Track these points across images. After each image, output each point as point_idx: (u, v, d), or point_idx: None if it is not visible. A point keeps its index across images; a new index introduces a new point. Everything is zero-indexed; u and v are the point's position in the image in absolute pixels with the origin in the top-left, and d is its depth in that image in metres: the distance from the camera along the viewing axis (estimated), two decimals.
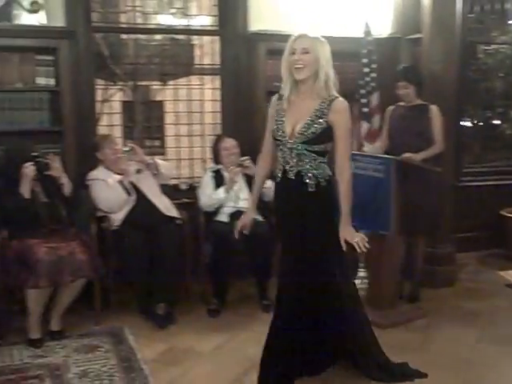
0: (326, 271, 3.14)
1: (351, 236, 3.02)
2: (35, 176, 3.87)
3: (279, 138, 3.06)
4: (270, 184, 4.46)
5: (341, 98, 3.05)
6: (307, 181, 3.04)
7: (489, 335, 3.93)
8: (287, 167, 3.06)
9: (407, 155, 4.19)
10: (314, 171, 3.03)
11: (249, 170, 4.43)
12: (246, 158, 4.47)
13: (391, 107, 4.62)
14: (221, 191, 4.42)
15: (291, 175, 3.06)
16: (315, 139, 3.00)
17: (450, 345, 3.79)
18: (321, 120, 2.99)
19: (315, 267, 3.10)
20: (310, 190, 3.04)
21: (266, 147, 3.24)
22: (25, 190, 3.82)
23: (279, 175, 3.12)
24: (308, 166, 3.03)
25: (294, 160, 3.03)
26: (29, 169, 3.81)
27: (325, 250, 3.12)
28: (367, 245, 2.99)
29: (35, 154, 3.92)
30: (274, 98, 3.18)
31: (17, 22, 4.31)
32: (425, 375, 3.30)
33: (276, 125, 3.08)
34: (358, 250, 3.01)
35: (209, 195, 4.44)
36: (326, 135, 3.02)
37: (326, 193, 3.08)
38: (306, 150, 3.01)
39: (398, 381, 3.26)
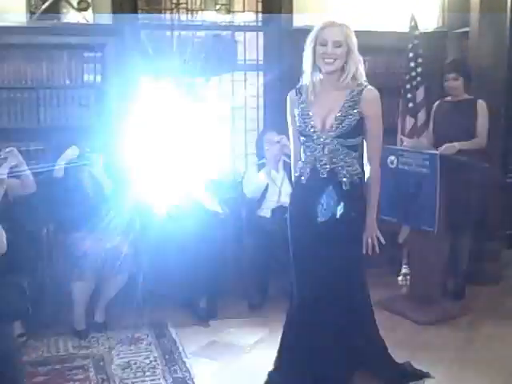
0: (357, 280, 3.01)
1: (376, 231, 2.93)
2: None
3: (309, 134, 2.82)
4: None
5: (370, 87, 2.86)
6: (343, 179, 2.81)
7: None
8: (318, 165, 2.82)
9: (446, 146, 4.13)
10: (349, 168, 2.82)
11: (287, 149, 4.43)
12: (282, 136, 4.46)
13: (437, 102, 4.55)
14: (262, 174, 4.42)
15: (323, 174, 2.82)
16: (350, 132, 2.79)
17: (492, 344, 3.72)
18: (354, 111, 2.79)
19: (344, 276, 2.90)
20: (344, 188, 2.82)
21: (296, 150, 2.99)
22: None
23: (305, 175, 2.88)
24: (342, 163, 2.81)
25: (327, 157, 2.80)
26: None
27: (356, 252, 2.93)
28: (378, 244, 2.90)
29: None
30: (291, 93, 2.95)
31: (65, 20, 4.40)
32: (428, 374, 3.20)
33: (302, 121, 2.83)
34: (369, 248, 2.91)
35: (251, 179, 4.46)
36: (360, 127, 2.82)
37: (360, 190, 2.89)
38: (340, 144, 2.80)
39: (410, 381, 3.14)
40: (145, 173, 4.31)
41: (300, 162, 2.93)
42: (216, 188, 4.63)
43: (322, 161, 2.82)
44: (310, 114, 2.83)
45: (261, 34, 5.15)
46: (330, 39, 2.75)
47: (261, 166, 4.51)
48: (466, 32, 4.85)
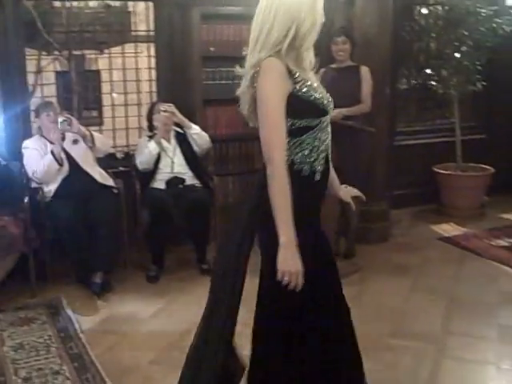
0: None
1: None
2: None
3: (327, 109, 2.14)
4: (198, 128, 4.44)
5: None
6: None
7: (420, 286, 4.10)
8: (330, 153, 2.18)
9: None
10: None
11: (176, 118, 4.44)
12: (170, 104, 4.45)
13: (323, 69, 4.64)
14: (151, 143, 4.39)
15: (330, 164, 2.22)
16: None
17: (382, 296, 3.93)
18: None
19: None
20: None
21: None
22: None
23: (320, 168, 2.11)
24: None
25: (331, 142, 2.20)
26: None
27: None
28: None
29: None
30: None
31: None
32: None
33: (319, 93, 2.13)
34: None
35: (141, 150, 4.42)
36: None
37: None
38: None
39: None
40: (33, 150, 4.18)
41: (309, 152, 2.10)
42: (108, 162, 4.56)
43: (330, 147, 2.19)
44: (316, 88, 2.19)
45: (151, 4, 5.06)
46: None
47: (152, 138, 4.48)
48: (353, 0, 4.97)
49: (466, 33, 5.40)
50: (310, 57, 2.15)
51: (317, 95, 2.09)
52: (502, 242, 4.96)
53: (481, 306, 3.81)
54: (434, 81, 5.71)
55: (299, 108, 2.05)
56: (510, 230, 5.26)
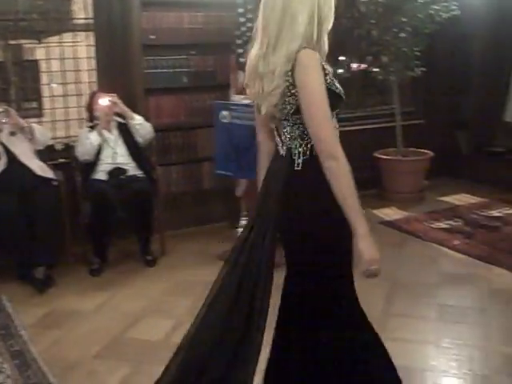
0: None
1: None
2: None
3: (343, 100, 2.10)
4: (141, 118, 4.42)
5: None
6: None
7: None
8: None
9: None
10: None
11: (117, 107, 4.38)
12: (113, 95, 4.39)
13: None
14: (93, 134, 4.34)
15: None
16: None
17: None
18: None
19: None
20: None
21: None
22: None
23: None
24: None
25: None
26: None
27: None
28: None
29: None
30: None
31: None
32: None
33: (338, 83, 2.08)
34: None
35: (82, 141, 4.35)
36: None
37: None
38: None
39: None
40: None
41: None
42: (48, 154, 4.47)
43: None
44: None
45: None
46: None
47: (94, 129, 4.41)
48: None
49: (405, 19, 5.48)
50: (326, 45, 2.08)
51: (339, 86, 2.05)
52: (442, 225, 5.09)
53: (421, 287, 3.91)
54: (374, 67, 5.80)
55: (331, 101, 1.97)
56: (448, 213, 5.41)
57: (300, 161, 2.05)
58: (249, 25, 4.71)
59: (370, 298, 3.67)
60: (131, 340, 3.32)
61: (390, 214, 5.43)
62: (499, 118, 6.47)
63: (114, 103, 4.37)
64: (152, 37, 4.89)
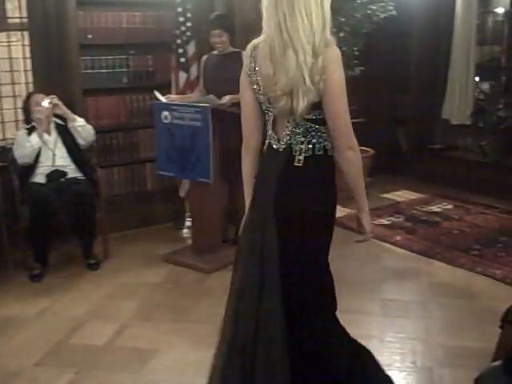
0: None
1: None
2: None
3: None
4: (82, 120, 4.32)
5: None
6: None
7: None
8: None
9: (220, 102, 4.23)
10: None
11: (59, 109, 4.28)
12: (53, 96, 4.29)
13: (205, 56, 4.62)
14: (33, 137, 4.22)
15: None
16: None
17: None
18: None
19: None
20: None
21: None
22: None
23: None
24: None
25: None
26: None
27: None
28: None
29: None
30: None
31: None
32: None
33: None
34: None
35: (22, 143, 4.22)
36: None
37: None
38: None
39: None
40: None
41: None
42: None
43: None
44: None
45: None
46: None
47: (31, 131, 4.29)
48: None
49: (343, 19, 5.54)
50: None
51: None
52: (384, 221, 5.18)
53: (365, 283, 3.97)
54: None
55: None
56: (390, 209, 5.52)
57: (301, 157, 2.11)
58: (188, 24, 4.69)
59: None
60: (74, 346, 3.24)
61: None
62: (437, 115, 6.64)
63: (55, 105, 4.27)
64: (89, 36, 4.80)
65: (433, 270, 4.19)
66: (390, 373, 2.52)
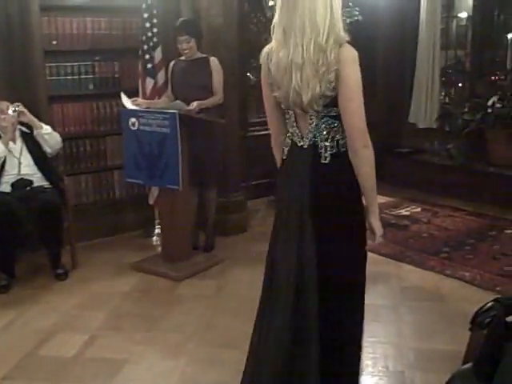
0: None
1: None
2: None
3: None
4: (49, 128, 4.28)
5: None
6: None
7: None
8: None
9: (188, 107, 4.21)
10: None
11: (24, 117, 4.22)
12: (18, 104, 4.22)
13: (172, 62, 4.60)
14: None
15: None
16: None
17: (242, 287, 3.96)
18: None
19: None
20: None
21: None
22: None
23: None
24: None
25: None
26: None
27: None
28: None
29: None
30: None
31: None
32: None
33: None
34: None
35: None
36: None
37: None
38: None
39: None
40: None
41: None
42: None
43: None
44: None
45: None
46: None
47: None
48: None
49: None
50: None
51: None
52: None
53: None
54: None
55: None
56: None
57: (327, 155, 2.14)
58: (154, 30, 4.65)
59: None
60: (43, 358, 3.18)
61: None
62: (404, 119, 6.72)
63: (20, 112, 4.20)
64: (54, 42, 4.73)
65: (402, 273, 4.22)
66: (363, 378, 2.53)
